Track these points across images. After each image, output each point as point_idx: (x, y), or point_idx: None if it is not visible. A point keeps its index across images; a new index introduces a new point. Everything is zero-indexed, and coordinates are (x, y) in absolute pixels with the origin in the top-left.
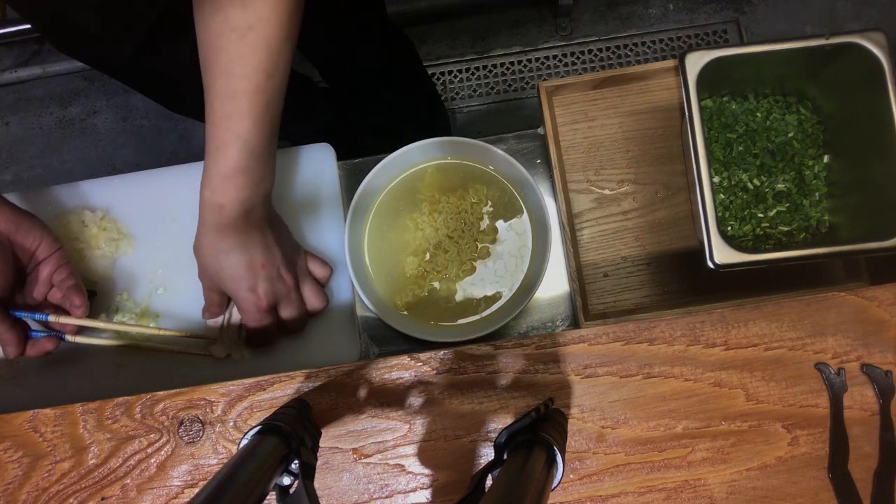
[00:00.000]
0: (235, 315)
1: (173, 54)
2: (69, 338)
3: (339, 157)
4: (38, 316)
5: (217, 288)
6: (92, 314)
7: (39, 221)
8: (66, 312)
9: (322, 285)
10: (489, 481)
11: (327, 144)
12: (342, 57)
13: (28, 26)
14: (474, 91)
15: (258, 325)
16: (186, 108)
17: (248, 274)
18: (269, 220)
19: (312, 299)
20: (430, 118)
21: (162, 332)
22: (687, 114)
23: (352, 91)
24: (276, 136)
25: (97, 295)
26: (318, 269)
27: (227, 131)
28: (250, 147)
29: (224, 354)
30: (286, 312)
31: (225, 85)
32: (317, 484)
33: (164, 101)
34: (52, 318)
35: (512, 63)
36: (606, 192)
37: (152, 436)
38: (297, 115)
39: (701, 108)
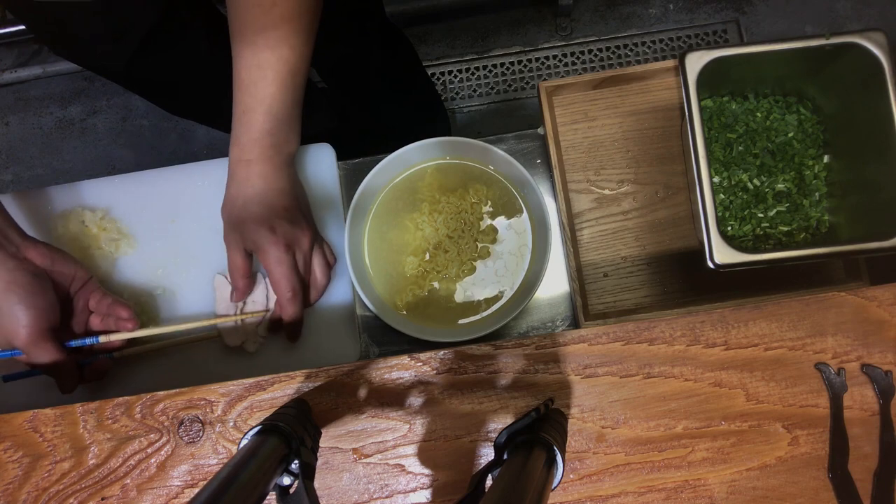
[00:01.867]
0: (252, 301)
1: (170, 59)
2: (116, 354)
3: (339, 157)
4: (88, 340)
5: (240, 244)
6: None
7: (70, 255)
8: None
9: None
10: (489, 481)
11: (327, 144)
12: (342, 59)
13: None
14: (474, 91)
15: (284, 279)
16: (184, 110)
17: (268, 213)
18: (293, 181)
19: (319, 272)
20: (430, 118)
21: (197, 325)
22: (687, 114)
23: (351, 92)
24: (301, 103)
25: None
26: (328, 251)
27: (252, 97)
28: (275, 112)
29: (238, 342)
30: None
31: (251, 55)
32: (317, 484)
33: (162, 103)
34: (102, 339)
35: (512, 63)
36: (606, 192)
37: (152, 436)
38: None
39: (701, 108)
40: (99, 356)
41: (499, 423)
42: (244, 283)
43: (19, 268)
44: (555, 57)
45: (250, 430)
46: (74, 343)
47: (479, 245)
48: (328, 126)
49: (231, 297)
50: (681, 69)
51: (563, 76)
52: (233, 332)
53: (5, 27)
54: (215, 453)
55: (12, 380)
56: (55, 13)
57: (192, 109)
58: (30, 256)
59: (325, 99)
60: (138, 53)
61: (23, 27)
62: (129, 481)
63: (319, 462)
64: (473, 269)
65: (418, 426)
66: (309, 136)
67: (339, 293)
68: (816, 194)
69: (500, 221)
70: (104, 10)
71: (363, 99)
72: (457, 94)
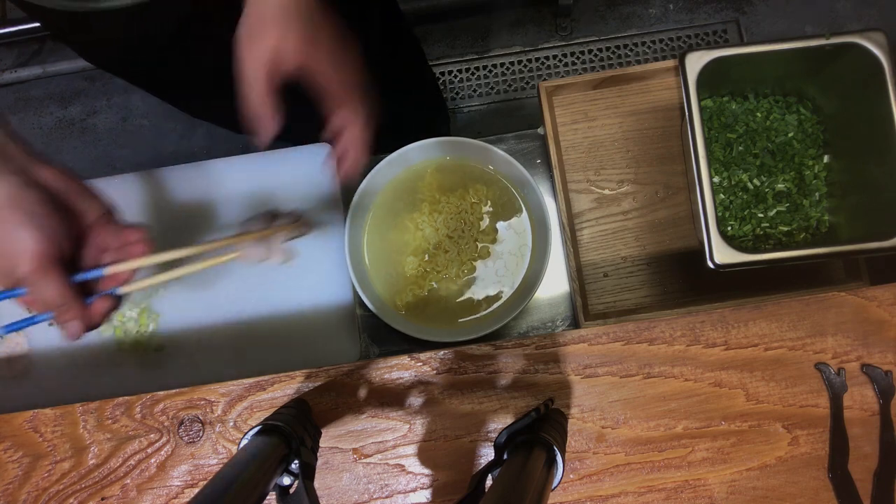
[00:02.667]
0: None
1: (194, 61)
2: (123, 289)
3: None
4: (92, 273)
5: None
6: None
7: (90, 184)
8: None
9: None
10: (489, 481)
11: (327, 144)
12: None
13: (28, 26)
14: (474, 91)
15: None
16: (200, 111)
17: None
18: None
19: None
20: (432, 116)
21: (214, 245)
22: (687, 114)
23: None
24: None
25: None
26: None
27: None
28: None
29: (262, 258)
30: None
31: None
32: (317, 484)
33: (180, 104)
34: (108, 271)
35: (512, 63)
36: (606, 192)
37: (152, 436)
38: (299, 115)
39: (701, 108)
40: (101, 294)
41: (499, 423)
42: (262, 100)
43: (26, 185)
44: (555, 57)
45: (250, 430)
46: (79, 277)
47: (479, 245)
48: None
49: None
50: (681, 69)
51: (563, 76)
52: (255, 249)
53: (5, 27)
54: (215, 453)
55: (14, 330)
56: (77, 11)
57: (208, 111)
58: (40, 176)
59: None
60: (166, 51)
61: (23, 27)
62: (129, 481)
63: (319, 462)
64: (473, 269)
65: (418, 426)
66: (311, 135)
67: (339, 293)
68: (816, 194)
69: (500, 221)
70: (131, 10)
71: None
72: (457, 94)
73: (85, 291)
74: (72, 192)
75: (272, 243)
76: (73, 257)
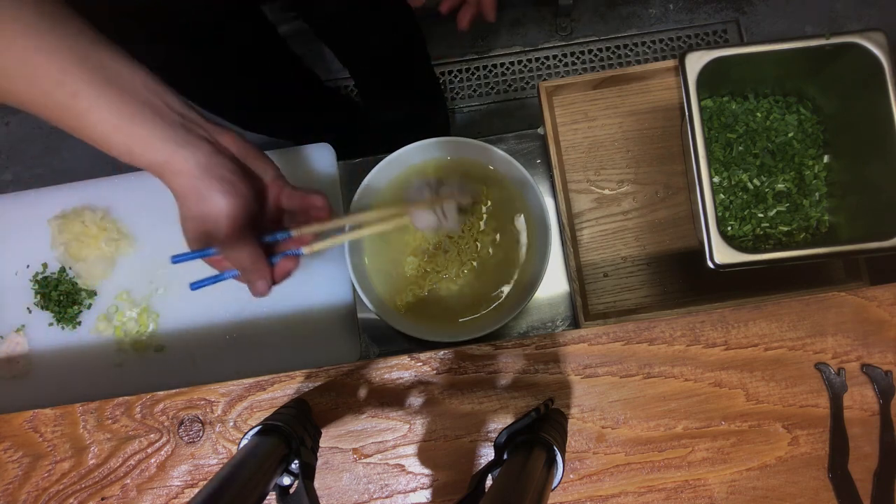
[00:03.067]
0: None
1: (219, 52)
2: (306, 250)
3: (341, 157)
4: (280, 235)
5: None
6: (91, 314)
7: (260, 150)
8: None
9: None
10: (489, 481)
11: (327, 144)
12: (332, 17)
13: None
14: (474, 91)
15: None
16: (216, 107)
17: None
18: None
19: None
20: (433, 115)
21: (390, 211)
22: (687, 114)
23: (361, 76)
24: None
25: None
26: None
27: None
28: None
29: (435, 226)
30: None
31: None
32: (317, 484)
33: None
34: (295, 233)
35: (512, 63)
36: (606, 192)
37: (152, 436)
38: (303, 114)
39: (701, 108)
40: (286, 253)
41: (499, 423)
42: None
43: (215, 152)
44: (555, 57)
45: (250, 430)
46: (269, 238)
47: (479, 245)
48: (335, 125)
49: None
50: (681, 69)
51: (563, 76)
52: (424, 216)
53: None
54: (215, 453)
55: (200, 287)
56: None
57: (229, 109)
58: (224, 142)
59: (332, 98)
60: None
61: None
62: (129, 481)
63: (319, 462)
64: (473, 269)
65: (418, 426)
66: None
67: (339, 293)
68: (816, 194)
69: (500, 222)
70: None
71: (371, 86)
72: (457, 94)
73: (267, 251)
74: (249, 156)
75: (446, 211)
76: (256, 218)
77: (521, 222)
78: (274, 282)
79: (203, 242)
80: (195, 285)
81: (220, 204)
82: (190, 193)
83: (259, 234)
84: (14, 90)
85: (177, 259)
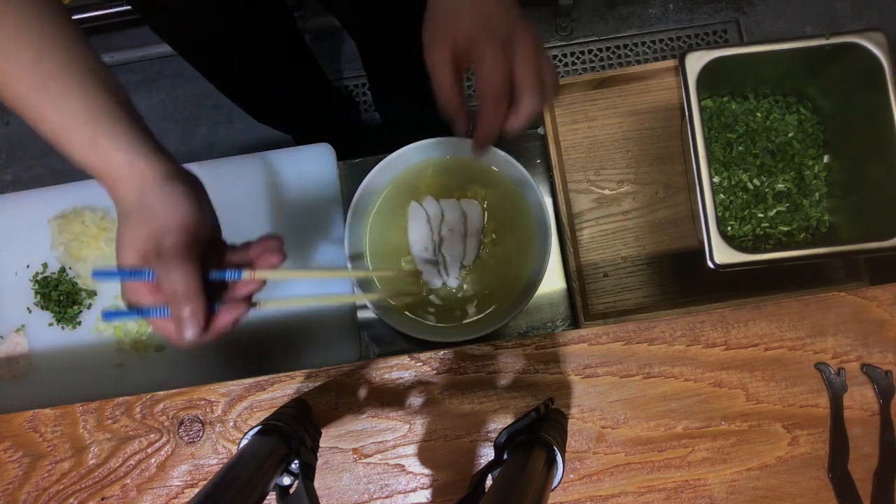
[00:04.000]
0: (444, 240)
1: (257, 36)
2: (261, 305)
3: (341, 157)
4: (230, 273)
5: (447, 55)
6: (91, 314)
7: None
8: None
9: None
10: (489, 481)
11: (327, 144)
12: (377, 26)
13: None
14: (474, 91)
15: (498, 74)
16: (233, 92)
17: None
18: None
19: (549, 73)
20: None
21: (376, 273)
22: (687, 114)
23: (376, 65)
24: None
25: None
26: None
27: None
28: None
29: (440, 283)
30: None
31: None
32: (317, 484)
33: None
34: (246, 275)
35: None
36: (606, 192)
37: (152, 436)
38: (303, 115)
39: (701, 108)
40: (232, 300)
41: (499, 423)
42: (463, 113)
43: (182, 170)
44: (555, 57)
45: (250, 430)
46: (214, 275)
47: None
48: (339, 124)
49: (459, 131)
50: (681, 69)
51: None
52: (428, 276)
53: None
54: (215, 453)
55: (112, 319)
56: None
57: (250, 96)
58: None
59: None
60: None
61: None
62: (129, 481)
63: (319, 462)
64: (473, 270)
65: (418, 426)
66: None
67: (338, 293)
68: (816, 194)
69: (500, 221)
70: None
71: (384, 75)
72: None
73: (211, 295)
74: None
75: (449, 270)
76: (206, 249)
77: (521, 222)
78: (206, 328)
79: (143, 259)
80: (108, 315)
81: (180, 209)
82: (148, 201)
83: (205, 268)
84: None
85: (99, 275)
